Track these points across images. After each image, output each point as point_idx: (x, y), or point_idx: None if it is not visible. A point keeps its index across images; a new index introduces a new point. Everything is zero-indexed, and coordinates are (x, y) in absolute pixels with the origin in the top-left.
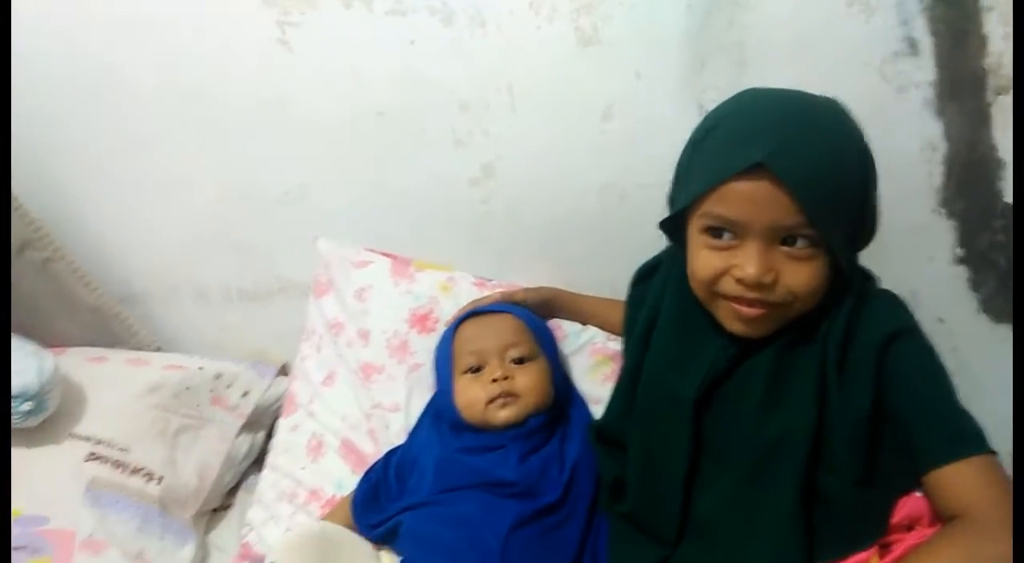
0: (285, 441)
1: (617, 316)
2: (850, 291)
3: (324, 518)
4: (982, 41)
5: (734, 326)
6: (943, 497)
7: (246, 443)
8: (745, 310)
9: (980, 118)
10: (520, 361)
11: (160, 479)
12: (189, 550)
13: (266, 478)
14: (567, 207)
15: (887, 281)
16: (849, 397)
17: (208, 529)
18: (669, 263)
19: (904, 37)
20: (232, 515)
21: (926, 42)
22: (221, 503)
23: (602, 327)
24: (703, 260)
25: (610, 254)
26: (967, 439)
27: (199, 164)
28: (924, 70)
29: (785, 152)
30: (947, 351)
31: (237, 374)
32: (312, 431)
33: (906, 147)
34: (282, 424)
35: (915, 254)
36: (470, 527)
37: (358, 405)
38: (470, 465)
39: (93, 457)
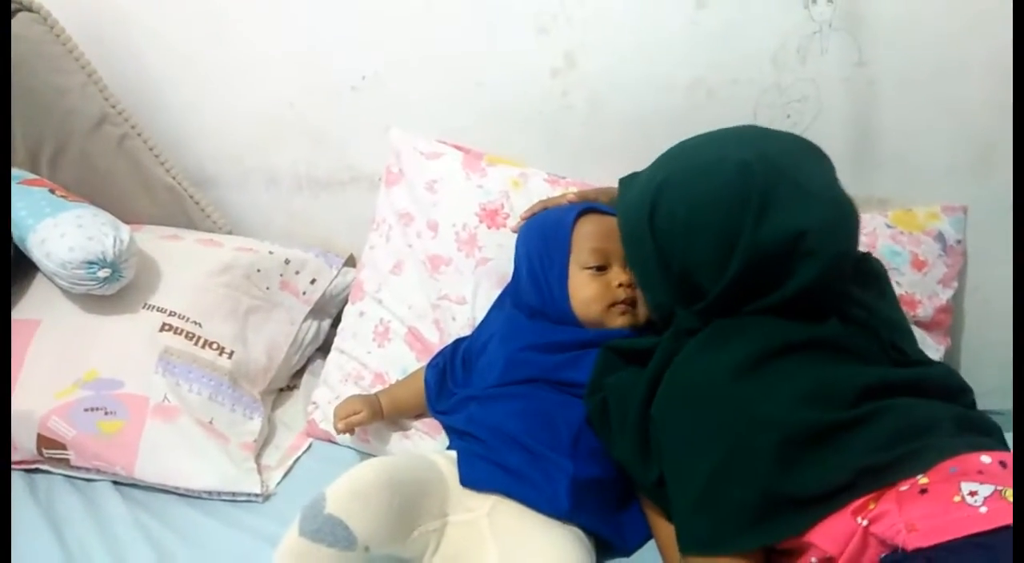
0: (352, 326)
1: None
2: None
3: (390, 390)
4: None
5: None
6: None
7: (312, 328)
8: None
9: None
10: None
11: (231, 354)
12: (257, 422)
13: (333, 360)
14: (651, 103)
15: None
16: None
17: (274, 407)
18: None
19: None
20: (297, 395)
21: None
22: (287, 383)
23: None
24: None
25: None
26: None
27: (276, 48)
28: None
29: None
30: None
31: (306, 261)
32: (380, 317)
33: None
34: (349, 310)
35: None
36: (540, 418)
37: (425, 295)
38: (539, 362)
39: (167, 328)
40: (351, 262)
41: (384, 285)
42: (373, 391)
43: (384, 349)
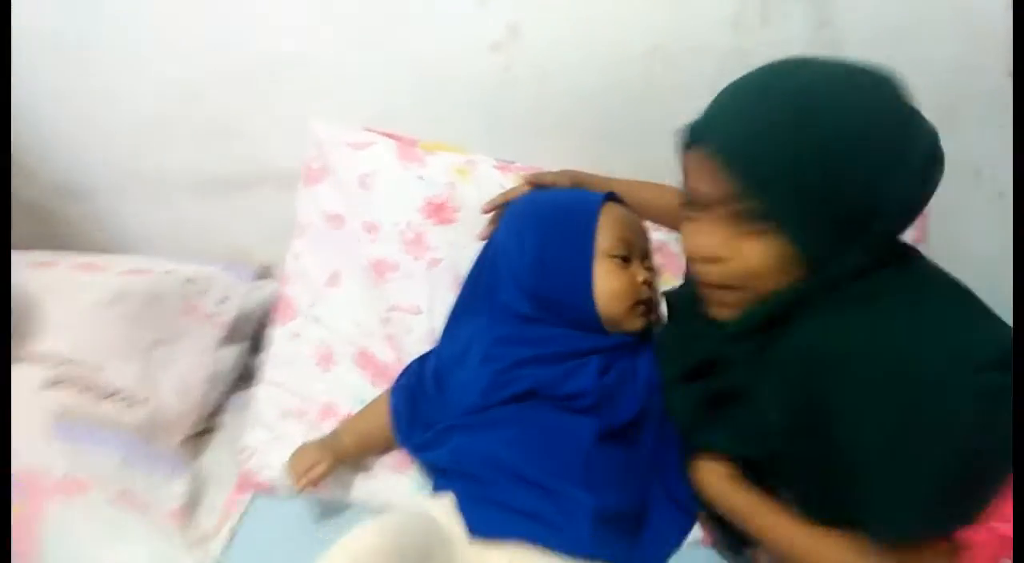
0: (285, 351)
1: (666, 199)
2: (827, 286)
3: (349, 420)
4: None
5: (708, 308)
6: None
7: (229, 357)
8: (706, 291)
9: None
10: (650, 270)
11: (139, 403)
12: (182, 483)
13: (264, 394)
14: (604, 75)
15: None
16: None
17: (194, 457)
18: None
19: None
20: (219, 439)
21: None
22: (205, 426)
23: (646, 214)
24: (683, 237)
25: (651, 131)
26: None
27: (170, 27)
28: None
29: (719, 124)
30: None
31: (211, 277)
32: (320, 338)
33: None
34: (278, 333)
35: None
36: (544, 443)
37: (372, 308)
38: (536, 375)
39: (57, 382)
40: (265, 273)
41: (320, 300)
42: (324, 428)
43: (330, 375)
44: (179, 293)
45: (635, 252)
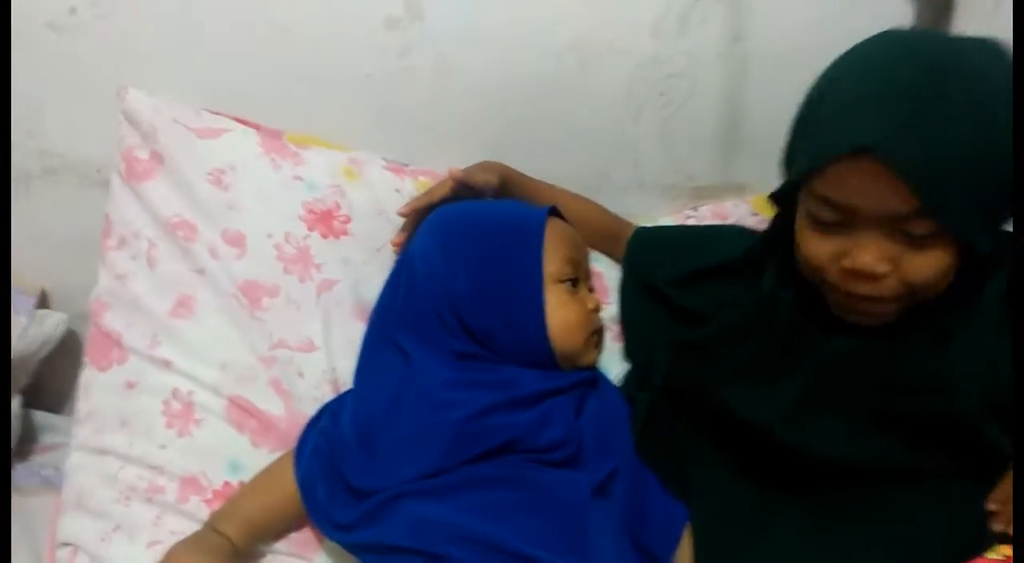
0: (116, 407)
1: (596, 221)
2: (991, 273)
3: (235, 498)
4: None
5: (846, 316)
6: None
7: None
8: (861, 305)
9: None
10: (591, 291)
11: None
12: None
13: (83, 468)
14: (513, 70)
15: None
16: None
17: None
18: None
19: None
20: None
21: None
22: None
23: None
24: (812, 245)
25: (562, 135)
26: None
27: None
28: None
29: (897, 135)
30: None
31: None
32: (172, 389)
33: None
34: (96, 382)
35: None
36: (537, 508)
37: (246, 344)
38: (510, 425)
39: None
40: (46, 301)
41: (165, 336)
42: (190, 511)
43: (191, 438)
44: None
45: (582, 274)
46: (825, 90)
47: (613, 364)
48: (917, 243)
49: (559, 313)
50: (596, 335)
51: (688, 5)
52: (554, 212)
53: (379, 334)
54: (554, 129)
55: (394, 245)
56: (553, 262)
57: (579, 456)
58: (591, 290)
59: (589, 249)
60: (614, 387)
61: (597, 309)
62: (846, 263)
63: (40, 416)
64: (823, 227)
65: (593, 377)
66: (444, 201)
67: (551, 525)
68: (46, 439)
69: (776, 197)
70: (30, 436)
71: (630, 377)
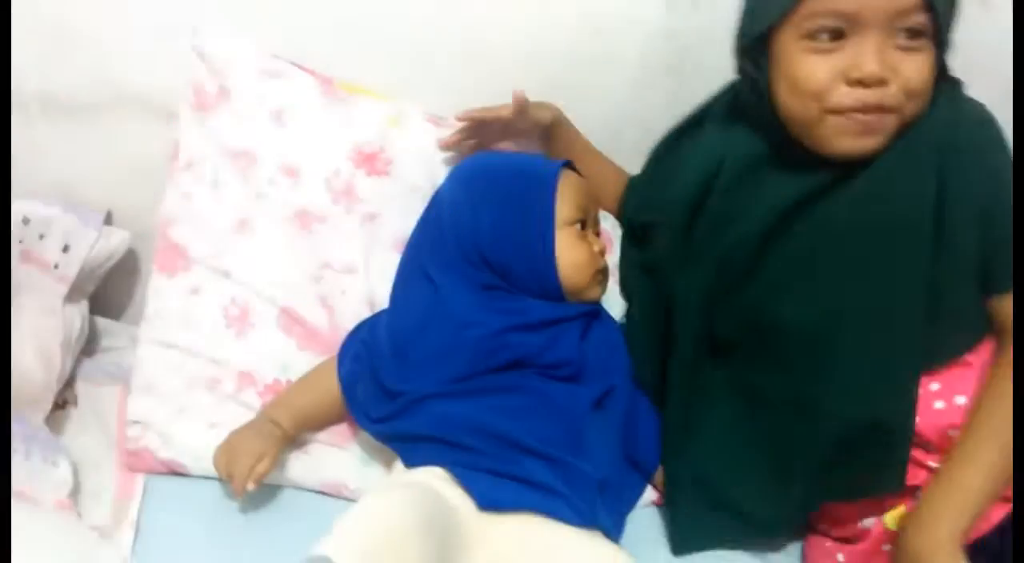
0: (179, 308)
1: (612, 181)
2: (944, 90)
3: (287, 394)
4: None
5: (844, 143)
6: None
7: (76, 317)
8: (863, 118)
9: None
10: (598, 235)
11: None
12: (65, 468)
13: (152, 358)
14: (536, 37)
15: None
16: (967, 194)
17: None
18: (723, 114)
19: None
20: (77, 416)
21: None
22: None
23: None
24: (808, 69)
25: (578, 98)
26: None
27: None
28: None
29: None
30: None
31: (51, 219)
32: (231, 296)
33: None
34: (163, 286)
35: None
36: (543, 413)
37: (296, 263)
38: (523, 344)
39: None
40: (109, 219)
41: (226, 250)
42: (243, 400)
43: (246, 340)
44: (15, 235)
45: (590, 220)
46: None
47: (615, 307)
48: (909, 47)
49: (568, 252)
50: (601, 273)
51: None
52: (569, 166)
53: (412, 264)
54: (571, 92)
55: (443, 145)
56: (564, 207)
57: (581, 374)
58: (598, 234)
59: (600, 207)
60: (614, 320)
61: (603, 252)
62: (854, 73)
63: (102, 322)
64: (822, 50)
65: (596, 309)
66: (499, 121)
67: (554, 427)
68: (107, 342)
69: (746, 51)
70: (94, 338)
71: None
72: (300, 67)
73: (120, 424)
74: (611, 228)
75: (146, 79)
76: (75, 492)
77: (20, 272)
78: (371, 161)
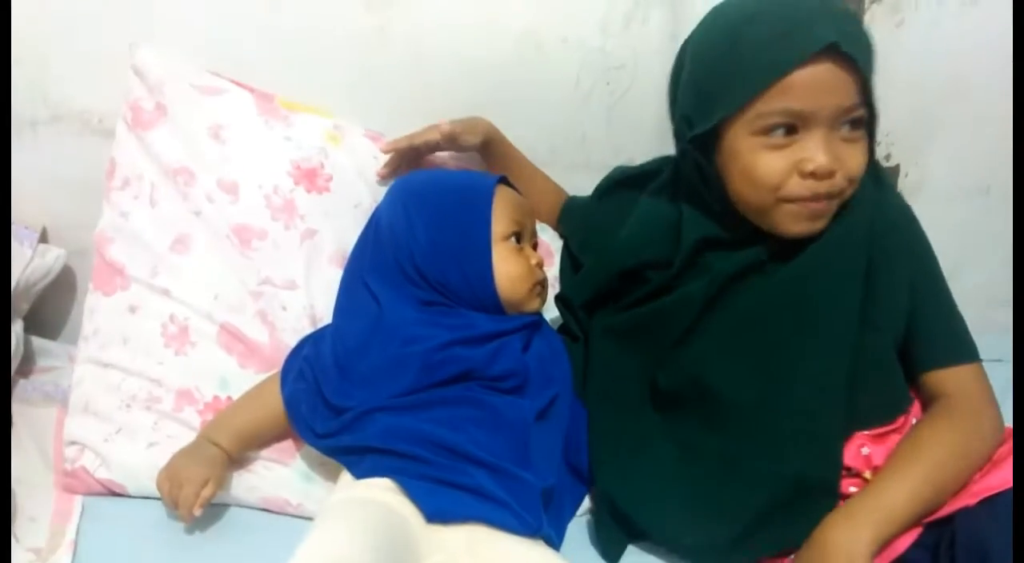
0: (117, 327)
1: (546, 194)
2: (871, 175)
3: (228, 413)
4: None
5: (796, 227)
6: (935, 395)
7: (13, 337)
8: (814, 206)
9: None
10: (535, 248)
11: None
12: None
13: (91, 377)
14: (478, 53)
15: None
16: (893, 270)
17: None
18: (671, 179)
19: None
20: (14, 437)
21: None
22: None
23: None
24: (766, 165)
25: (518, 115)
26: (966, 345)
27: None
28: None
29: (851, 30)
30: None
31: None
32: (169, 313)
33: None
34: (101, 305)
35: None
36: (488, 424)
37: (238, 279)
38: (468, 357)
39: None
40: (45, 237)
41: (163, 268)
42: (184, 419)
43: (186, 357)
44: None
45: (526, 233)
46: (739, 35)
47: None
48: (850, 138)
49: (505, 266)
50: (539, 285)
51: (632, 5)
52: (504, 181)
53: (354, 279)
54: (510, 108)
55: (380, 175)
56: (500, 223)
57: (525, 385)
58: (535, 247)
59: (537, 219)
60: (553, 330)
61: (540, 265)
62: (807, 167)
63: (37, 341)
64: (775, 145)
65: (537, 321)
66: (427, 148)
67: (499, 439)
68: (42, 362)
69: (696, 142)
70: (29, 358)
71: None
72: (238, 84)
73: (57, 445)
74: (550, 240)
75: (84, 96)
76: (11, 515)
77: None
78: (310, 177)
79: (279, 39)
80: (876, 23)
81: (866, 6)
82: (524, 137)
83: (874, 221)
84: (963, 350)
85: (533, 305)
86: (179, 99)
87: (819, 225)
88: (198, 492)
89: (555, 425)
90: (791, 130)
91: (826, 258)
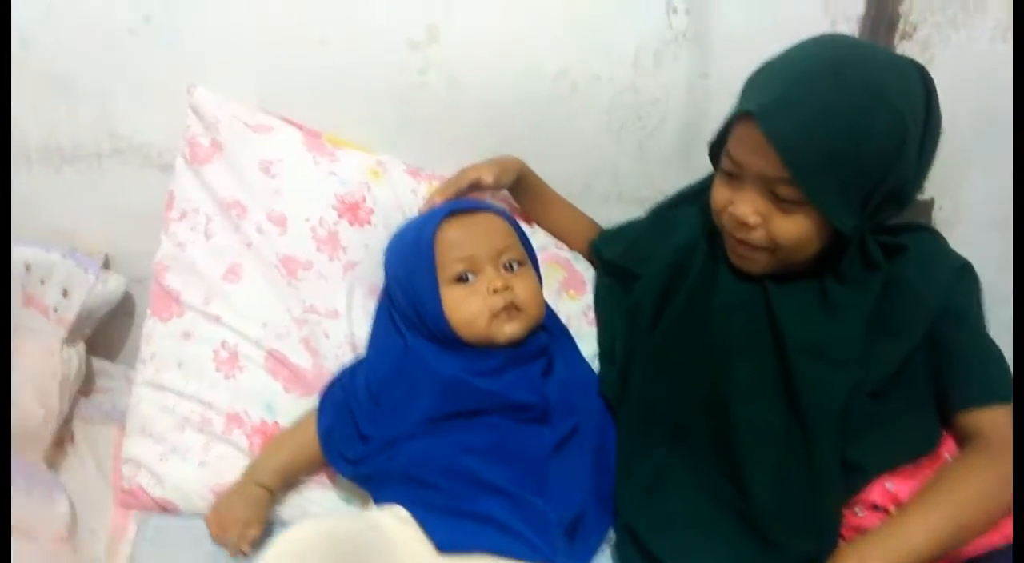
0: (172, 351)
1: (577, 224)
2: (866, 247)
3: (269, 452)
4: None
5: (732, 259)
6: (969, 435)
7: (73, 358)
8: (737, 246)
9: None
10: (511, 267)
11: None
12: (63, 504)
13: (146, 400)
14: (515, 90)
15: None
16: (894, 335)
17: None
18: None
19: None
20: (76, 454)
21: None
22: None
23: (555, 228)
24: (716, 191)
25: (554, 149)
26: (1001, 385)
27: None
28: (856, 5)
29: (775, 106)
30: None
31: (52, 265)
32: (220, 340)
33: None
34: (158, 330)
35: None
36: (506, 452)
37: (284, 307)
38: (483, 388)
39: None
40: (107, 263)
41: (216, 296)
42: (232, 440)
43: (235, 381)
44: (17, 280)
45: (480, 261)
46: (760, 67)
47: (588, 343)
48: (785, 206)
49: (454, 311)
50: (503, 312)
51: (663, 44)
52: (455, 211)
53: (383, 312)
54: (546, 143)
55: (420, 211)
56: (443, 267)
57: (546, 415)
58: (511, 266)
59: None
60: (581, 356)
61: (505, 287)
62: (730, 209)
63: (98, 363)
64: (726, 178)
65: (543, 345)
66: (469, 190)
67: (516, 467)
68: (102, 382)
69: (713, 155)
70: (90, 378)
71: (602, 353)
72: (289, 121)
73: (115, 463)
74: (583, 270)
75: (144, 131)
76: (72, 528)
77: (22, 315)
78: (353, 211)
79: (326, 78)
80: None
81: (896, 42)
82: (558, 170)
83: (888, 283)
84: (998, 390)
85: (503, 334)
86: (233, 136)
87: (750, 267)
88: (242, 533)
89: (578, 455)
90: (733, 175)
91: (843, 312)
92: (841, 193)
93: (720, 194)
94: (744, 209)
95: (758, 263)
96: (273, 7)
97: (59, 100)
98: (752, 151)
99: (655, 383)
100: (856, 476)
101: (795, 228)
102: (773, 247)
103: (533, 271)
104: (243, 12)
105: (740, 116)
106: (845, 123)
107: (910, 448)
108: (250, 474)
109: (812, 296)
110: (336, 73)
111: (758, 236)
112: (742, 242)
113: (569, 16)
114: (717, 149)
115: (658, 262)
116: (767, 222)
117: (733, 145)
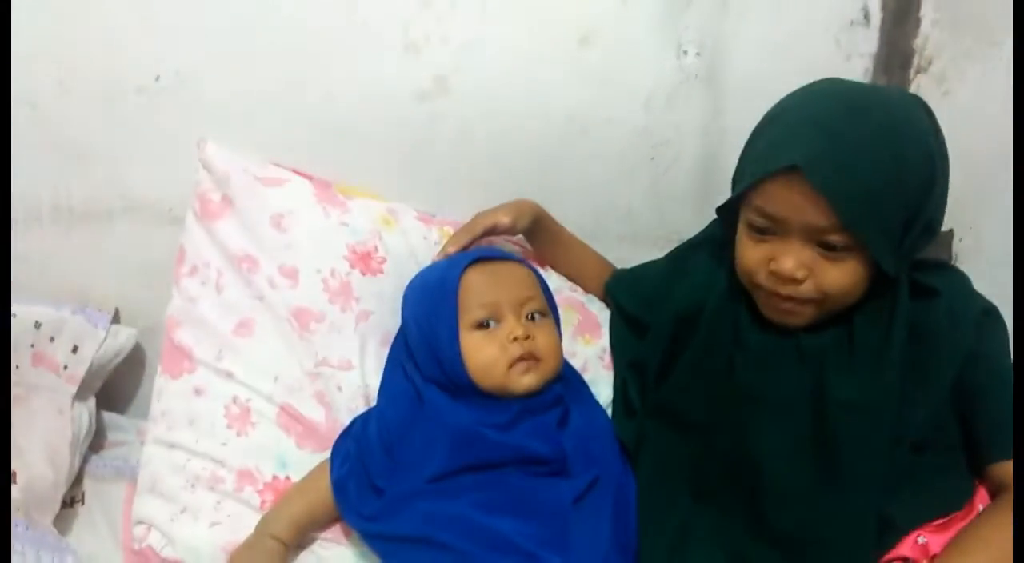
0: (183, 409)
1: (592, 266)
2: (897, 289)
3: (283, 504)
4: (916, 23)
5: (771, 315)
6: (1001, 486)
7: (83, 415)
8: (780, 303)
9: None
10: (533, 318)
11: (13, 475)
12: None
13: (157, 458)
14: (525, 136)
15: None
16: (924, 381)
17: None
18: (720, 244)
19: (862, 7)
20: (86, 514)
21: (876, 15)
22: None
23: (570, 271)
24: (744, 249)
25: (566, 191)
26: None
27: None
28: (870, 42)
29: (821, 157)
30: None
31: (61, 322)
32: (232, 395)
33: None
34: (168, 388)
35: None
36: (525, 508)
37: (296, 361)
38: (497, 440)
39: None
40: (118, 318)
41: (228, 351)
42: (244, 498)
43: (247, 438)
44: (26, 339)
45: (503, 310)
46: (768, 121)
47: (604, 387)
48: (833, 255)
49: (472, 357)
50: (522, 362)
51: (676, 85)
52: (481, 259)
53: (394, 363)
54: (558, 185)
55: (435, 258)
56: (465, 312)
57: (564, 467)
58: (533, 316)
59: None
60: (598, 404)
61: (526, 337)
62: (772, 266)
63: (108, 417)
64: (757, 235)
65: (559, 395)
66: (474, 243)
67: (535, 524)
68: (113, 436)
69: (722, 210)
70: (101, 433)
71: (616, 399)
72: (299, 172)
73: (126, 523)
74: (598, 312)
75: (155, 188)
76: None
77: (31, 374)
78: (365, 260)
79: (335, 129)
80: (923, 93)
81: (912, 76)
82: (571, 211)
83: (916, 325)
84: None
85: (520, 385)
86: (244, 189)
87: (794, 320)
88: None
89: (598, 508)
90: (767, 231)
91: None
92: (885, 232)
93: (754, 253)
94: (790, 264)
95: (803, 316)
96: (281, 61)
97: (69, 160)
98: (797, 205)
99: (672, 441)
100: (890, 533)
101: (843, 276)
102: (821, 298)
103: (554, 324)
104: (251, 67)
105: (777, 172)
106: (885, 163)
107: (945, 502)
108: (264, 527)
109: (843, 344)
110: (346, 125)
111: (806, 289)
112: (789, 298)
113: (579, 61)
114: (728, 208)
115: (666, 314)
116: (814, 273)
117: (768, 201)
